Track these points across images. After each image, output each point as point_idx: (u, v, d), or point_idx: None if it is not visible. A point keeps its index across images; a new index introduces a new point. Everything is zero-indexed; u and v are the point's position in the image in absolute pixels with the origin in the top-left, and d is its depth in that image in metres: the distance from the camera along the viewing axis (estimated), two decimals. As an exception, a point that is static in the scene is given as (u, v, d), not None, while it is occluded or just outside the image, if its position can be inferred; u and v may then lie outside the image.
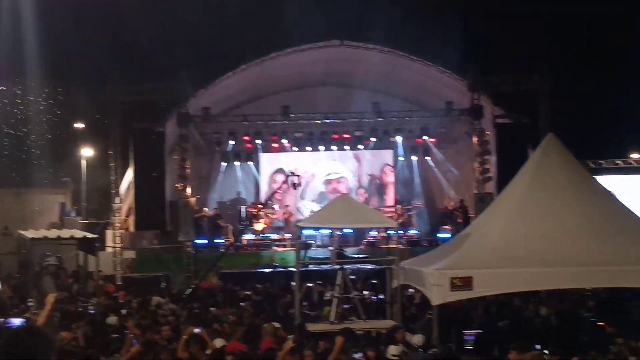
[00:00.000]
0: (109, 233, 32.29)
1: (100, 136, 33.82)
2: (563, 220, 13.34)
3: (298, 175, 27.14)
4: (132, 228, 33.25)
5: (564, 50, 38.81)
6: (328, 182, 36.47)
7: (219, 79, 33.74)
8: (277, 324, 14.11)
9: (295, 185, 28.27)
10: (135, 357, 11.34)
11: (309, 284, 22.01)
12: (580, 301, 18.46)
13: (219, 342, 12.17)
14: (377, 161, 37.44)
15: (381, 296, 19.91)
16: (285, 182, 27.25)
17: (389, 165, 37.00)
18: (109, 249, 31.71)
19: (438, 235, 32.73)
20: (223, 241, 32.80)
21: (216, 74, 33.67)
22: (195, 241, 31.74)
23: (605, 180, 26.17)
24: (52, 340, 4.90)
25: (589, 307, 17.74)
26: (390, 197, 36.78)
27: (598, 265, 12.60)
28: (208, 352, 11.66)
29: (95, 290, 23.96)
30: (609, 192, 14.99)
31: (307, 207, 35.33)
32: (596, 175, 18.59)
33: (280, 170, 36.00)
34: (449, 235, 29.96)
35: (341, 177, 36.57)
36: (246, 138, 34.69)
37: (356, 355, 11.48)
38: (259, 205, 33.68)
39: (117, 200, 32.00)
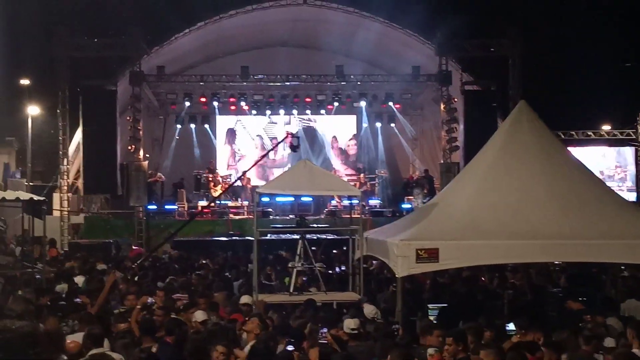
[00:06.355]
0: (55, 196, 30.85)
1: (47, 93, 32.32)
2: (533, 192, 12.87)
3: (298, 137, 25.29)
4: (80, 191, 31.86)
5: (535, 15, 37.93)
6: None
7: (174, 37, 32.45)
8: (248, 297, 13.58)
9: (294, 147, 26.28)
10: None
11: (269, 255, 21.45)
12: (547, 276, 17.90)
13: (200, 315, 11.46)
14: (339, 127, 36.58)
15: (343, 267, 19.38)
16: (279, 143, 25.17)
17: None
18: (56, 213, 30.31)
19: (403, 206, 31.57)
20: (177, 207, 31.62)
21: (172, 30, 32.28)
22: (148, 207, 30.62)
23: (576, 152, 25.40)
24: None
25: (556, 282, 17.24)
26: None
27: (567, 238, 12.22)
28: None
29: (41, 255, 22.73)
30: (580, 163, 14.46)
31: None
32: (567, 146, 17.99)
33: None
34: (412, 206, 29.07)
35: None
36: (202, 99, 33.41)
37: (322, 330, 11.06)
38: (216, 171, 32.47)
39: (65, 161, 30.75)
